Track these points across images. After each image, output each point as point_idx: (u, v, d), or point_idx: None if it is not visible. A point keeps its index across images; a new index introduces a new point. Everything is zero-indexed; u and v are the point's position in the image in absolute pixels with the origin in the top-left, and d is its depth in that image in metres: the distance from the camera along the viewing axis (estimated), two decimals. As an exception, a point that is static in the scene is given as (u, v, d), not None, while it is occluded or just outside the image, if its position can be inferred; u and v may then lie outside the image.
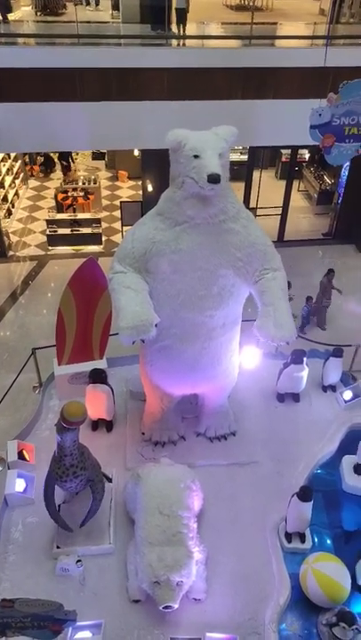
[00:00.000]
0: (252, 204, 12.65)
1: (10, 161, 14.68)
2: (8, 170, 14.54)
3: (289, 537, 5.24)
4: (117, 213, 13.42)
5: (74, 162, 16.23)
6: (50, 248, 12.92)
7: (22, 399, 7.86)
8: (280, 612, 4.71)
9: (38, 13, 13.85)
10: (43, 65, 9.51)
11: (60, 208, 13.88)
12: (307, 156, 15.60)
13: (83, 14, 13.24)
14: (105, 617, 4.63)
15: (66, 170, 15.78)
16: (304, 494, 4.95)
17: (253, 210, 12.24)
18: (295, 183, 14.00)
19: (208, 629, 4.52)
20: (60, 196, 14.00)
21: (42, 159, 16.48)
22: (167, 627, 4.61)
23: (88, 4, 14.54)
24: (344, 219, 13.11)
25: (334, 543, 5.44)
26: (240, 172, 12.16)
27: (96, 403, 6.12)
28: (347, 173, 12.72)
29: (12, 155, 14.68)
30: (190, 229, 4.80)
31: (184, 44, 11.19)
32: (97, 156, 17.47)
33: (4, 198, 13.93)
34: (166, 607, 4.47)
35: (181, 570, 4.47)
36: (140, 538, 4.71)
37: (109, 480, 5.58)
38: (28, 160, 16.35)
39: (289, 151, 13.44)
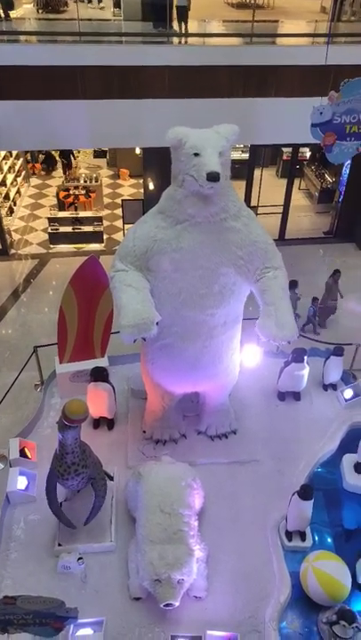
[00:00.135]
0: (253, 203, 12.63)
1: (12, 159, 14.67)
2: (10, 168, 14.53)
3: (289, 535, 5.26)
4: (119, 211, 13.41)
5: (75, 158, 16.21)
6: (51, 246, 12.92)
7: (24, 397, 7.87)
8: (280, 610, 4.72)
9: (40, 11, 13.81)
10: (44, 63, 9.50)
11: (61, 206, 13.87)
12: (308, 154, 15.56)
13: (84, 12, 13.21)
14: (106, 614, 4.65)
15: (67, 167, 15.76)
16: (305, 493, 4.96)
17: (254, 208, 12.23)
18: (296, 181, 13.98)
19: (209, 627, 4.54)
20: (62, 194, 13.99)
21: (43, 157, 16.47)
22: (168, 624, 4.63)
23: (90, 1, 14.51)
24: (345, 217, 13.09)
25: (335, 542, 5.45)
26: (241, 171, 12.13)
27: (97, 401, 6.13)
28: (348, 172, 12.70)
29: (14, 153, 14.67)
30: (191, 228, 4.80)
31: (186, 42, 11.16)
32: (98, 154, 17.45)
33: (6, 196, 13.93)
34: (167, 605, 4.49)
35: (182, 568, 4.49)
36: (142, 536, 4.73)
37: (110, 478, 5.60)
38: (29, 158, 16.34)
39: (290, 149, 13.40)
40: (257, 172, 12.62)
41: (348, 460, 6.01)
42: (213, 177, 4.36)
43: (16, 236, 13.29)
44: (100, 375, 6.06)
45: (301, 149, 14.27)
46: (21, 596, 4.14)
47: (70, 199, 13.86)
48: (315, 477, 5.89)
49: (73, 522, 5.13)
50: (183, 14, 10.98)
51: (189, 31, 11.18)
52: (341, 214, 13.16)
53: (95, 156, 17.52)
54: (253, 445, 6.16)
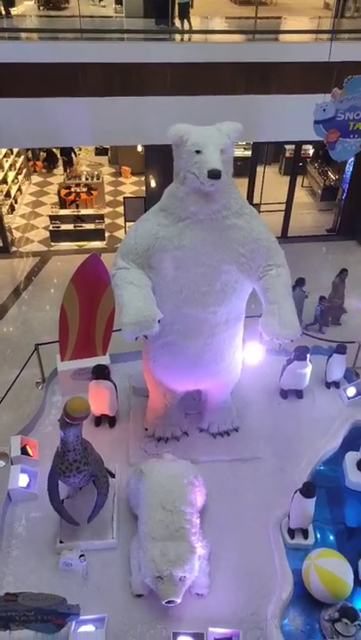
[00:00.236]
0: (256, 200, 12.60)
1: (12, 156, 14.66)
2: (11, 165, 14.52)
3: (292, 533, 5.25)
4: (120, 209, 13.40)
5: (76, 156, 16.18)
6: (53, 244, 12.92)
7: (25, 395, 7.88)
8: (282, 607, 4.72)
9: (41, 8, 13.81)
10: (45, 60, 9.48)
11: (62, 204, 13.87)
12: (311, 151, 15.52)
13: (86, 9, 13.17)
14: (108, 611, 4.65)
15: (67, 165, 15.73)
16: (307, 490, 4.96)
17: (257, 206, 12.19)
18: (299, 179, 13.95)
19: (211, 624, 4.54)
20: (63, 191, 13.98)
21: (45, 155, 16.45)
22: (170, 621, 4.63)
23: (91, -2, 14.50)
24: (348, 215, 13.05)
25: (337, 539, 5.44)
26: (244, 168, 12.11)
27: (99, 398, 6.13)
28: (351, 169, 12.66)
29: (15, 150, 14.66)
30: (193, 225, 4.79)
31: (188, 39, 11.13)
32: (100, 151, 17.43)
33: (7, 194, 13.92)
34: (169, 602, 4.49)
35: (184, 565, 4.49)
36: (143, 533, 4.73)
37: (112, 475, 5.60)
38: (30, 156, 16.33)
39: (293, 147, 13.37)
40: (260, 170, 12.59)
41: (351, 458, 6.00)
42: (214, 174, 4.35)
43: (17, 234, 13.29)
44: (101, 373, 6.05)
45: (304, 147, 14.24)
46: (23, 592, 4.15)
47: (72, 197, 13.85)
48: (317, 475, 5.88)
49: (75, 519, 5.13)
50: (185, 11, 10.95)
51: (192, 28, 11.15)
52: (344, 212, 13.12)
53: (97, 154, 17.50)
54: (256, 443, 6.15)
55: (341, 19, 12.85)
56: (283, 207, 12.78)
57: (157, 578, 4.48)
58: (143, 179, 13.88)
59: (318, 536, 5.36)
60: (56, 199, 14.30)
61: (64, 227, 12.95)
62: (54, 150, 16.28)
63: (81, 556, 4.97)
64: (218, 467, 5.88)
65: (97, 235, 13.03)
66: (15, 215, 14.06)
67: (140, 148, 14.26)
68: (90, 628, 4.49)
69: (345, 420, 6.44)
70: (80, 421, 4.60)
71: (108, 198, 15.07)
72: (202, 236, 4.81)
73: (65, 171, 15.56)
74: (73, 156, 16.05)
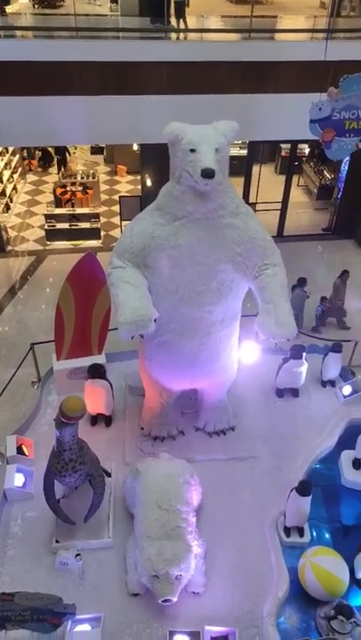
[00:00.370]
0: (252, 199, 12.61)
1: (8, 155, 14.62)
2: (6, 164, 14.47)
3: (288, 531, 5.26)
4: (116, 208, 13.39)
5: (70, 155, 16.14)
6: (48, 243, 12.89)
7: (21, 394, 7.86)
8: (278, 605, 4.73)
9: (36, 6, 13.75)
10: (40, 58, 9.45)
11: (58, 203, 13.84)
12: (307, 150, 15.55)
13: (81, 7, 13.12)
14: (104, 610, 4.65)
15: (61, 164, 15.67)
16: (303, 489, 4.97)
17: (253, 205, 12.19)
18: (295, 178, 13.96)
19: (207, 623, 4.54)
20: (59, 190, 13.95)
21: (40, 153, 16.40)
22: (166, 620, 4.63)
23: (86, -4, 14.44)
24: (344, 214, 13.09)
25: (333, 537, 5.46)
26: (239, 167, 12.12)
27: (95, 398, 6.12)
28: (347, 168, 12.69)
29: (10, 149, 14.61)
30: (189, 224, 4.79)
31: (184, 38, 11.11)
32: (95, 150, 17.39)
33: (2, 193, 13.88)
34: (165, 601, 4.50)
35: (180, 564, 4.49)
36: (140, 532, 4.73)
37: (108, 475, 5.59)
38: (26, 154, 16.27)
39: (289, 146, 13.38)
40: (255, 169, 12.60)
41: (347, 457, 6.02)
42: (208, 173, 4.35)
43: (12, 233, 13.25)
44: (97, 372, 6.05)
45: (300, 146, 14.27)
46: (19, 592, 4.14)
47: (67, 196, 13.82)
48: (313, 473, 5.90)
49: (71, 518, 5.12)
50: (181, 10, 10.93)
51: (187, 27, 11.13)
52: (340, 211, 13.16)
53: (92, 153, 17.46)
54: (252, 442, 6.16)
55: (337, 18, 12.87)
56: (279, 206, 12.80)
57: (154, 577, 4.48)
58: (139, 177, 13.88)
59: (314, 534, 5.38)
60: (51, 198, 14.27)
61: (59, 225, 12.93)
62: (49, 149, 16.23)
63: (77, 555, 4.97)
64: (214, 466, 5.88)
65: (93, 234, 13.01)
66: (10, 214, 14.02)
67: (135, 147, 14.26)
68: (86, 627, 4.49)
69: (341, 419, 6.46)
70: (76, 421, 4.59)
71: (103, 197, 15.04)
72: (198, 235, 4.80)
73: (59, 170, 15.51)
74: (67, 155, 16.01)
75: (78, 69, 9.65)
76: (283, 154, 15.01)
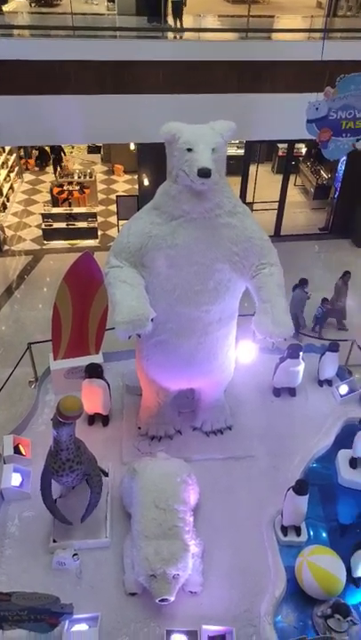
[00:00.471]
0: (249, 199, 12.62)
1: (5, 154, 14.57)
2: (3, 163, 14.43)
3: (285, 530, 5.28)
4: (113, 207, 13.37)
5: (65, 155, 16.11)
6: (45, 242, 12.86)
7: (18, 394, 7.84)
8: (276, 604, 4.74)
9: (33, 5, 13.72)
10: (37, 57, 9.42)
11: (55, 202, 13.81)
12: (303, 150, 15.56)
13: (78, 6, 13.11)
14: (101, 610, 4.65)
15: (56, 163, 15.63)
16: (300, 488, 4.98)
17: (250, 204, 12.21)
18: (292, 178, 13.98)
19: (204, 622, 4.55)
20: (56, 189, 13.93)
21: (37, 153, 16.36)
22: (163, 619, 4.64)
23: (83, -5, 14.42)
24: (341, 213, 13.10)
25: (330, 536, 5.48)
26: (236, 167, 12.12)
27: (92, 397, 6.11)
28: (343, 168, 12.70)
29: (7, 148, 14.57)
30: (186, 224, 4.79)
31: (181, 37, 11.10)
32: (92, 149, 17.36)
33: (-1, 192, 13.85)
34: (162, 600, 4.50)
35: (178, 563, 4.50)
36: (137, 531, 4.73)
37: (105, 474, 5.59)
38: (23, 154, 16.23)
39: (286, 145, 13.40)
40: (252, 168, 12.60)
41: (343, 456, 6.04)
42: (204, 173, 4.35)
43: (9, 233, 13.22)
44: (94, 372, 6.04)
45: (297, 145, 14.28)
46: (16, 592, 4.13)
47: (64, 195, 13.80)
48: (310, 473, 5.91)
49: (69, 518, 5.12)
50: (178, 9, 10.92)
51: (184, 26, 11.12)
52: (337, 210, 13.17)
53: (89, 152, 17.44)
54: (249, 441, 6.17)
55: (334, 17, 12.89)
56: (276, 206, 12.81)
57: (151, 576, 4.49)
58: (136, 177, 13.85)
59: (311, 533, 5.39)
60: (48, 197, 14.23)
61: (57, 225, 12.90)
62: (46, 148, 16.19)
63: (74, 555, 4.97)
64: (211, 465, 5.89)
65: (90, 233, 12.98)
66: (7, 213, 13.98)
67: (132, 147, 14.23)
68: (83, 626, 4.49)
69: (337, 418, 6.48)
70: (73, 420, 4.59)
71: (100, 196, 15.03)
72: (195, 234, 4.81)
73: (55, 169, 15.48)
74: (62, 154, 15.97)
75: (75, 68, 9.62)
76: (280, 153, 15.03)
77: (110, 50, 9.87)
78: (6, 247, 12.65)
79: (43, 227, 12.91)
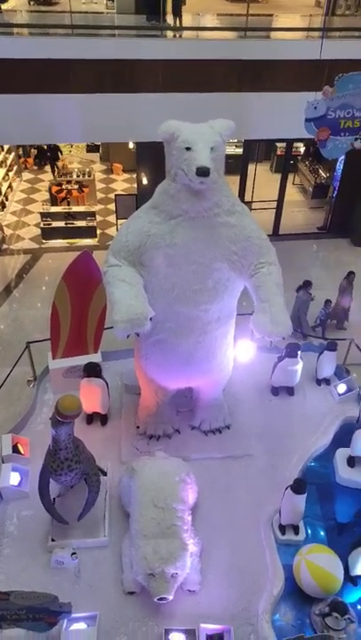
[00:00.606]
0: (247, 198, 12.61)
1: (3, 153, 14.54)
2: (1, 162, 14.40)
3: (283, 529, 5.29)
4: (112, 206, 13.35)
5: (62, 154, 16.09)
6: (44, 241, 12.84)
7: (17, 393, 7.84)
8: (274, 602, 4.76)
9: (31, 3, 13.66)
10: (36, 56, 9.39)
11: (54, 201, 13.77)
12: (302, 149, 15.56)
13: (77, 4, 13.06)
14: (100, 609, 4.66)
15: (53, 162, 15.59)
16: (298, 487, 4.99)
17: (248, 203, 12.20)
18: (290, 177, 13.97)
19: (202, 620, 4.56)
20: (55, 188, 13.90)
21: (36, 152, 16.33)
22: (162, 618, 4.65)
23: (82, -7, 14.35)
24: (339, 212, 13.10)
25: (328, 535, 5.49)
26: (235, 166, 12.11)
27: (91, 396, 6.11)
28: (342, 167, 12.70)
29: (6, 147, 14.54)
30: (185, 223, 4.79)
31: (180, 36, 11.08)
32: (91, 148, 17.33)
33: (-2, 191, 13.82)
34: (161, 599, 4.51)
35: (176, 562, 4.50)
36: (135, 530, 4.73)
37: (104, 473, 5.60)
38: (21, 152, 16.20)
39: (284, 144, 13.39)
40: (251, 167, 12.59)
41: (341, 454, 6.05)
42: (203, 172, 4.35)
43: (8, 231, 13.20)
44: (93, 371, 6.04)
45: (295, 144, 14.26)
46: (15, 591, 4.13)
47: (63, 194, 13.77)
48: (308, 471, 5.93)
49: (66, 517, 5.12)
50: (177, 7, 10.89)
51: (183, 25, 11.10)
52: (335, 210, 13.17)
53: (88, 151, 17.39)
54: (247, 440, 6.18)
55: (333, 16, 12.87)
56: (274, 205, 12.80)
57: (149, 575, 4.49)
58: (135, 176, 13.83)
59: (309, 532, 5.41)
60: (47, 196, 14.20)
61: (55, 224, 12.88)
62: (45, 147, 16.15)
63: (73, 554, 4.97)
64: (209, 464, 5.90)
65: (88, 232, 12.96)
66: (6, 212, 13.96)
67: (131, 145, 14.21)
68: (82, 625, 4.50)
69: (335, 417, 6.49)
70: (72, 419, 4.59)
71: (99, 195, 15.01)
72: (194, 233, 4.81)
73: (52, 169, 15.46)
74: (59, 154, 15.94)
75: (74, 67, 9.59)
76: (278, 152, 15.01)
77: (109, 48, 9.85)
78: (5, 246, 12.63)
79: (41, 225, 12.89)
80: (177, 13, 10.93)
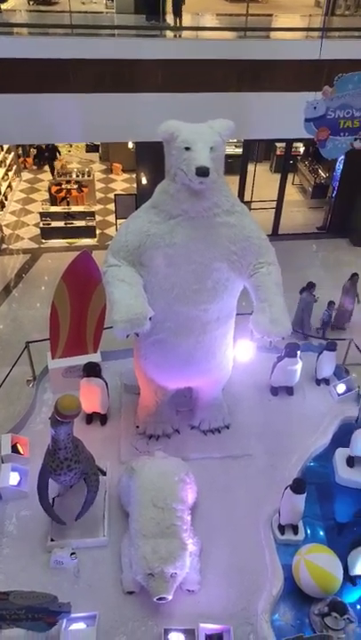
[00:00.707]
0: (247, 198, 12.61)
1: (3, 153, 14.53)
2: (1, 162, 14.39)
3: (282, 529, 5.29)
4: (111, 206, 13.34)
5: (60, 154, 16.09)
6: (43, 241, 12.84)
7: (16, 393, 7.83)
8: (273, 602, 4.76)
9: (31, 3, 13.65)
10: (35, 56, 9.39)
11: (53, 201, 13.77)
12: (301, 149, 15.56)
13: (76, 4, 13.06)
14: (99, 609, 4.66)
15: (50, 161, 15.58)
16: (297, 487, 4.99)
17: (248, 203, 12.19)
18: (290, 177, 13.97)
19: (202, 620, 4.56)
20: (54, 188, 13.89)
21: (35, 151, 16.32)
22: (161, 618, 4.65)
23: (82, -7, 14.34)
24: (338, 212, 13.11)
25: (327, 535, 5.49)
26: (235, 166, 12.12)
27: (90, 396, 6.11)
28: (341, 167, 12.71)
29: (5, 147, 14.53)
30: (185, 223, 4.79)
31: (180, 36, 11.08)
32: (91, 148, 17.32)
33: (-3, 191, 13.81)
34: (160, 599, 4.51)
35: (175, 562, 4.50)
36: (135, 530, 4.73)
37: (103, 473, 5.60)
38: (21, 152, 16.19)
39: (284, 144, 13.39)
40: (250, 167, 12.60)
41: (341, 454, 6.05)
42: (203, 172, 4.35)
43: (7, 231, 13.19)
44: (92, 370, 6.04)
45: (295, 144, 14.26)
46: (14, 591, 4.13)
47: (62, 194, 13.77)
48: (307, 471, 5.93)
49: (65, 517, 5.12)
50: (177, 7, 10.89)
51: (183, 24, 11.09)
52: (335, 210, 13.18)
53: (87, 151, 17.39)
54: (246, 440, 6.18)
55: (332, 16, 12.87)
56: (274, 205, 12.81)
57: (148, 575, 4.49)
58: (134, 176, 13.83)
59: (308, 532, 5.41)
60: (46, 196, 14.20)
61: (55, 224, 12.87)
62: (43, 147, 16.14)
63: (72, 553, 4.97)
64: (209, 464, 5.90)
65: (88, 232, 12.96)
66: (5, 212, 13.95)
67: (131, 145, 14.20)
68: (81, 625, 4.50)
69: (335, 417, 6.50)
70: (71, 419, 4.59)
71: (98, 195, 15.00)
72: (193, 233, 4.81)
73: (51, 169, 15.46)
74: (57, 154, 15.93)
75: (74, 67, 9.59)
76: (278, 152, 15.01)
77: (109, 48, 9.85)
78: (4, 246, 12.62)
79: (41, 225, 12.88)
80: (177, 13, 10.92)
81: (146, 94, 9.87)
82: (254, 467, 5.93)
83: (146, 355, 5.63)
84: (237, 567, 5.03)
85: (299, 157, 15.49)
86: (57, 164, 15.40)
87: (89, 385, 6.07)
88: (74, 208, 13.32)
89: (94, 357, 6.61)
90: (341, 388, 6.76)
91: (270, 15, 13.22)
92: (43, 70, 9.46)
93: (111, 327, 4.78)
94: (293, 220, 13.57)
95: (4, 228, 13.13)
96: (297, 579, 4.90)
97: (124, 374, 6.82)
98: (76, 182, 14.16)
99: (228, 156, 4.96)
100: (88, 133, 11.02)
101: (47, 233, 12.81)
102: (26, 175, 16.06)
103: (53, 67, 9.46)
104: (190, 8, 11.59)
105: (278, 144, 14.79)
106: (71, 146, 17.23)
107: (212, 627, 4.53)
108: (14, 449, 5.86)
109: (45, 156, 15.63)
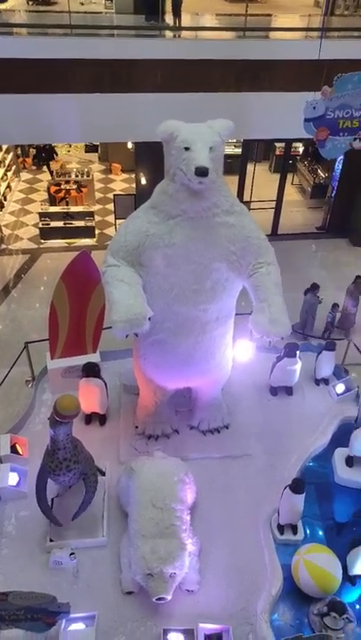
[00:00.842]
0: (246, 198, 12.62)
1: (2, 153, 14.53)
2: (0, 162, 14.39)
3: (281, 529, 5.29)
4: (111, 206, 13.34)
5: (57, 155, 16.08)
6: (42, 241, 12.83)
7: (15, 393, 7.83)
8: (272, 602, 4.76)
9: (30, 3, 13.65)
10: (34, 56, 9.39)
11: (52, 201, 13.77)
12: (301, 149, 15.57)
13: (75, 4, 13.05)
14: (98, 609, 4.65)
15: (46, 161, 15.57)
16: (297, 486, 4.99)
17: (247, 203, 12.20)
18: (289, 176, 13.98)
19: (201, 620, 4.56)
20: (53, 188, 13.89)
21: (34, 151, 16.32)
22: (160, 618, 4.64)
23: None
24: (338, 212, 13.12)
25: (326, 535, 5.49)
26: (234, 166, 12.12)
27: (89, 396, 6.11)
28: (341, 167, 12.72)
29: (4, 147, 14.53)
30: (184, 223, 4.79)
31: (179, 36, 11.08)
32: (90, 148, 17.33)
33: (-4, 191, 13.81)
34: (159, 599, 4.51)
35: (174, 562, 4.50)
36: (134, 530, 4.73)
37: (103, 473, 5.59)
38: (20, 152, 16.19)
39: (283, 144, 13.40)
40: (250, 167, 12.61)
41: (340, 454, 6.05)
42: (202, 172, 4.35)
43: (6, 231, 13.19)
44: (91, 371, 6.04)
45: (294, 144, 14.28)
46: (13, 591, 4.13)
47: (61, 194, 13.77)
48: (307, 471, 5.93)
49: (64, 518, 5.11)
50: (177, 7, 10.89)
51: (182, 24, 11.09)
52: (334, 210, 13.19)
53: (87, 151, 17.39)
54: (246, 440, 6.18)
55: (331, 16, 12.87)
56: (273, 205, 12.82)
57: (148, 575, 4.49)
58: (133, 176, 13.84)
59: (307, 532, 5.41)
60: (46, 196, 14.19)
61: (54, 224, 12.87)
62: (41, 147, 16.13)
63: (71, 554, 4.97)
64: (208, 464, 5.90)
65: (87, 232, 12.96)
66: (4, 212, 13.95)
67: (130, 145, 14.21)
68: (80, 625, 4.49)
69: (334, 417, 6.50)
70: (70, 419, 4.59)
71: (98, 195, 15.00)
72: (192, 233, 4.81)
73: (47, 167, 15.45)
74: (54, 155, 15.93)
75: (72, 67, 9.59)
76: (277, 152, 15.03)
77: (108, 48, 9.85)
78: (3, 246, 12.62)
79: (40, 225, 12.88)
80: (176, 13, 10.92)
81: (145, 94, 9.87)
82: (253, 467, 5.93)
83: (145, 355, 5.62)
84: (237, 567, 5.03)
85: (298, 157, 15.50)
86: (53, 165, 15.40)
87: (88, 385, 6.06)
88: (73, 208, 13.33)
89: (93, 357, 6.60)
90: (341, 387, 6.76)
91: (270, 15, 13.22)
92: (42, 70, 9.46)
93: (110, 327, 4.78)
94: (293, 220, 13.57)
95: (3, 228, 13.13)
96: (296, 578, 4.90)
97: (124, 374, 6.82)
98: (75, 182, 14.16)
99: (227, 156, 4.96)
100: (87, 133, 11.02)
101: (46, 233, 12.81)
102: (25, 175, 16.06)
103: (53, 67, 9.46)
104: (190, 8, 11.59)
105: (278, 144, 14.80)
106: (70, 146, 17.23)
107: (211, 627, 4.53)
108: (13, 449, 5.86)
109: (42, 156, 15.63)
